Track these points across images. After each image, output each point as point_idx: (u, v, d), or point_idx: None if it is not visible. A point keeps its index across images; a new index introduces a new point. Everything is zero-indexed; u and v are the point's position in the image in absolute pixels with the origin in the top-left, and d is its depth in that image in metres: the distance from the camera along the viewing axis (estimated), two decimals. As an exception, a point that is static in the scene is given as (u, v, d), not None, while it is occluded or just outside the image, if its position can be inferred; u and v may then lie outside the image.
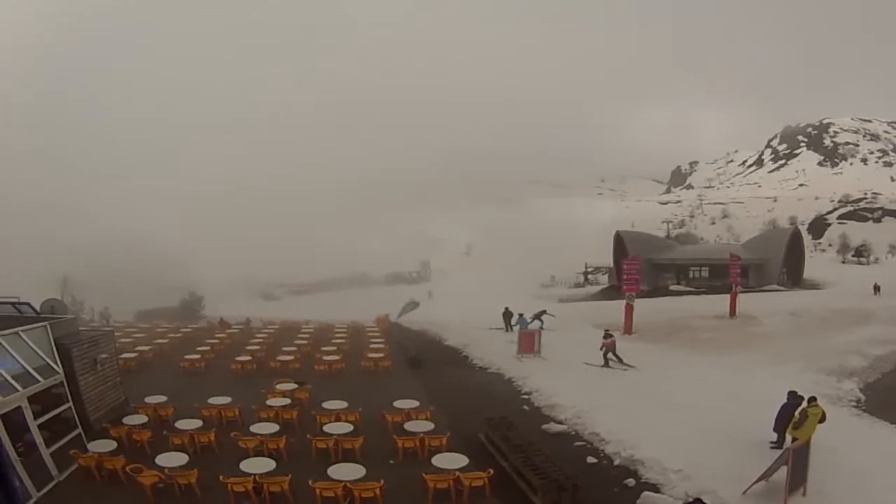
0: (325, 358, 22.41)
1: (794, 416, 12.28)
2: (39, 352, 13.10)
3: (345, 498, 10.76)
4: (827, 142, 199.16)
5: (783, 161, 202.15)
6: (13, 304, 16.29)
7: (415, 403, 16.14)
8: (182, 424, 14.53)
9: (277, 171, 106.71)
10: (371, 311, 39.89)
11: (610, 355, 21.46)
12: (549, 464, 11.47)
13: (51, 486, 11.70)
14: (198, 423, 14.79)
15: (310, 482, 10.89)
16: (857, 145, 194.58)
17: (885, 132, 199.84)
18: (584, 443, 14.18)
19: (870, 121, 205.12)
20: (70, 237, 57.81)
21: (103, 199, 74.51)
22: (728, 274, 35.85)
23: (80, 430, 13.45)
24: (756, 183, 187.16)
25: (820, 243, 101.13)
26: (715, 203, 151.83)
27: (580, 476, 11.51)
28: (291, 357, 22.98)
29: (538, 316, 28.05)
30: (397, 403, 16.04)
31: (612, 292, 49.84)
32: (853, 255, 79.23)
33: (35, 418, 11.92)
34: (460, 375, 21.31)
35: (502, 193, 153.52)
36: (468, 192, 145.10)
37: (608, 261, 61.42)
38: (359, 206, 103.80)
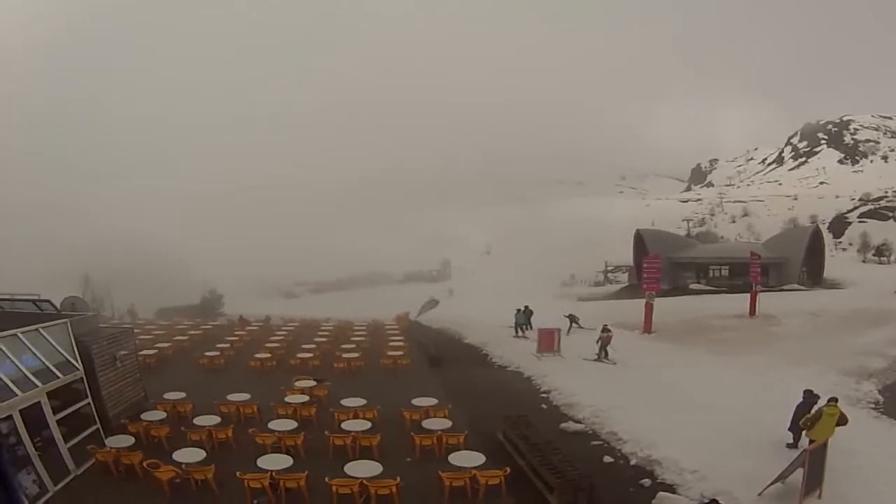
0: (345, 356, 22.50)
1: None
2: (59, 348, 13.25)
3: (360, 495, 10.76)
4: (847, 139, 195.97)
5: (803, 159, 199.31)
6: (34, 301, 16.49)
7: (433, 401, 16.15)
8: (200, 421, 14.65)
9: (277, 171, 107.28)
10: (391, 309, 40.07)
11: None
12: (565, 463, 11.37)
13: (68, 479, 11.84)
14: (216, 419, 14.91)
15: (326, 479, 10.90)
16: (878, 142, 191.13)
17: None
18: (601, 442, 14.08)
19: (890, 118, 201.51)
20: (70, 237, 58.55)
21: (103, 199, 75.48)
22: (748, 273, 35.44)
23: (98, 425, 13.60)
24: (776, 181, 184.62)
25: (840, 242, 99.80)
26: (735, 201, 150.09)
27: (596, 475, 11.44)
28: (311, 354, 23.12)
29: (574, 320, 27.51)
30: (415, 401, 16.08)
31: (632, 291, 49.42)
32: (874, 255, 78.12)
33: (54, 413, 12.08)
34: (479, 373, 21.28)
35: (522, 192, 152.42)
36: (488, 191, 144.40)
37: (629, 259, 61.04)
38: (375, 206, 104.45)
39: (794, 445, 12.71)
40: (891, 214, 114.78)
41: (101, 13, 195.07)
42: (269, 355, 22.97)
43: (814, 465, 10.36)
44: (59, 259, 48.97)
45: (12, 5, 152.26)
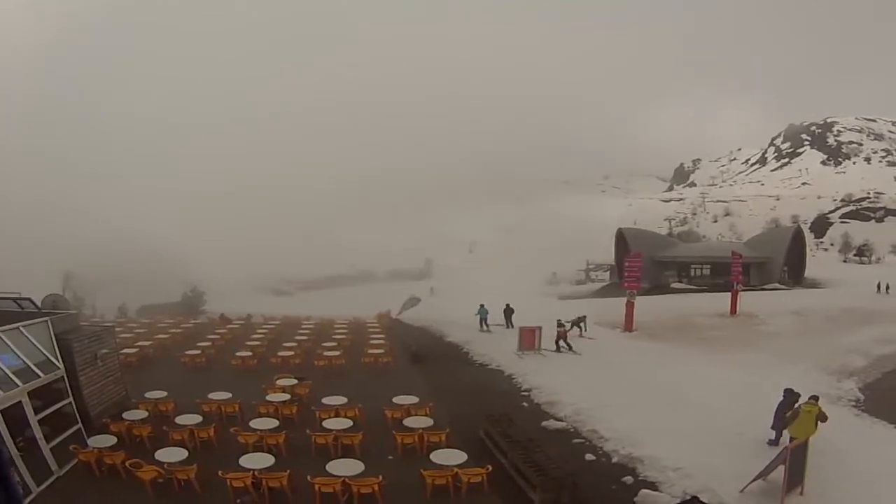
0: (326, 353, 22.45)
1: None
2: (40, 347, 13.14)
3: (343, 493, 10.79)
4: (830, 140, 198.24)
5: (786, 160, 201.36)
6: (14, 299, 16.33)
7: (414, 399, 16.18)
8: (182, 420, 14.60)
9: (277, 171, 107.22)
10: (373, 307, 40.01)
11: (561, 342, 23.39)
12: (548, 461, 11.46)
13: (51, 480, 11.74)
14: (198, 418, 14.85)
15: (308, 478, 10.92)
16: (861, 144, 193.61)
17: (890, 132, 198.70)
18: (582, 440, 14.14)
19: (874, 120, 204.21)
20: (70, 237, 58.06)
21: (103, 199, 74.98)
22: (730, 272, 35.83)
23: (80, 425, 13.49)
24: (759, 181, 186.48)
25: (822, 242, 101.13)
26: (717, 201, 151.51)
27: (578, 473, 11.53)
28: (292, 353, 23.04)
29: (578, 322, 27.01)
30: (397, 399, 16.08)
31: (613, 289, 49.74)
32: (855, 255, 79.18)
33: (35, 413, 11.96)
34: (460, 372, 21.31)
35: (508, 191, 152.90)
36: (474, 190, 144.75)
37: (611, 258, 61.44)
38: (374, 205, 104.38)
39: (775, 443, 12.87)
40: (872, 215, 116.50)
41: (101, 13, 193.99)
42: (250, 353, 22.88)
43: (795, 461, 10.49)
44: (56, 258, 48.66)
45: (13, 6, 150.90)
